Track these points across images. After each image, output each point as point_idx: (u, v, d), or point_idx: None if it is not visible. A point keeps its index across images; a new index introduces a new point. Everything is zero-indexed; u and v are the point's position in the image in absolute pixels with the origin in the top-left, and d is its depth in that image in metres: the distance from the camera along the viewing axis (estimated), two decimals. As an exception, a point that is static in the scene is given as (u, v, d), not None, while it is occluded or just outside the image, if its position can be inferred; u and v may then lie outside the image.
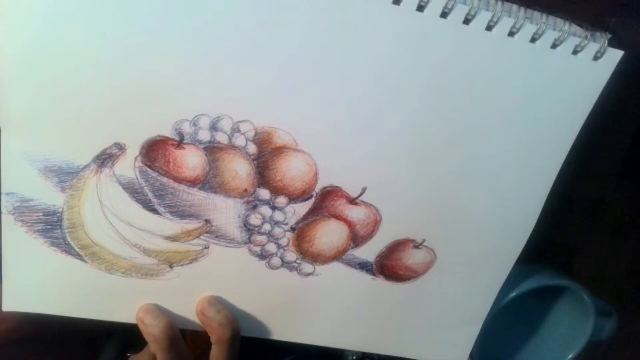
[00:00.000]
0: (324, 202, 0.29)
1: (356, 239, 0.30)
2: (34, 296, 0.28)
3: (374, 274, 0.32)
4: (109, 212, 0.27)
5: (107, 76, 0.24)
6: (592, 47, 0.26)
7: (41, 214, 0.26)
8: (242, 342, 0.31)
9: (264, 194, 0.28)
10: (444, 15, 0.25)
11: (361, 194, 0.29)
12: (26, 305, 0.29)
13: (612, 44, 0.26)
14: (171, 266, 0.29)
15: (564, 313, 0.44)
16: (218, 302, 0.30)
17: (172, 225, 0.28)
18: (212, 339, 0.30)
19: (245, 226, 0.29)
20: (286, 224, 0.29)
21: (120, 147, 0.26)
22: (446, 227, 0.31)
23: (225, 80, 0.25)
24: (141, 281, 0.29)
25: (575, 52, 0.26)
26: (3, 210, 0.26)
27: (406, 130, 0.27)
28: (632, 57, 0.27)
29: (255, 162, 0.27)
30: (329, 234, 0.30)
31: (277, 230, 0.29)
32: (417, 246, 0.31)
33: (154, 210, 0.27)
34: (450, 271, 0.32)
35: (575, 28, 0.26)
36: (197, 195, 0.27)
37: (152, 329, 0.28)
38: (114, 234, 0.27)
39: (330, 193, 0.28)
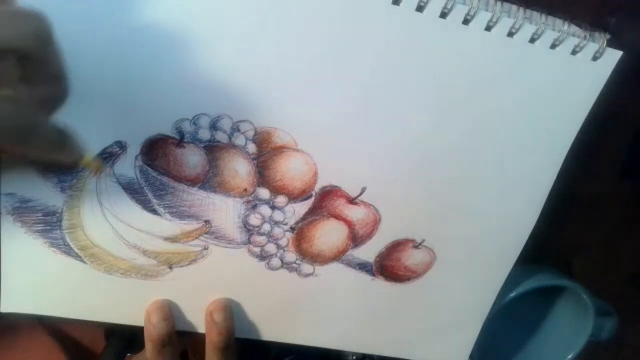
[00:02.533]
0: (324, 201, 0.29)
1: (355, 239, 0.30)
2: (33, 297, 0.28)
3: (373, 275, 0.32)
4: (108, 212, 0.27)
5: (108, 74, 0.24)
6: (591, 47, 0.26)
7: (41, 214, 0.26)
8: (241, 342, 0.31)
9: (264, 193, 0.28)
10: (443, 15, 0.25)
11: (360, 193, 0.29)
12: (25, 306, 0.28)
13: (611, 44, 0.26)
14: (171, 267, 0.29)
15: (564, 313, 0.44)
16: (229, 309, 0.30)
17: (171, 226, 0.28)
18: (207, 340, 0.30)
19: (245, 226, 0.29)
20: (286, 224, 0.29)
21: (122, 146, 0.26)
22: (446, 227, 0.31)
23: (225, 80, 0.25)
24: (141, 282, 0.29)
25: (574, 52, 0.26)
26: (2, 211, 0.26)
27: (405, 130, 0.27)
28: (631, 57, 0.27)
29: (255, 161, 0.27)
30: (328, 234, 0.30)
31: (277, 231, 0.29)
32: (416, 246, 0.31)
33: (154, 211, 0.27)
34: (450, 271, 0.32)
35: (575, 28, 0.26)
36: (196, 195, 0.27)
37: (153, 329, 0.28)
38: (113, 234, 0.27)
39: (329, 193, 0.28)
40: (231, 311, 0.30)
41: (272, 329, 0.32)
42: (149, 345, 0.29)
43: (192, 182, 0.27)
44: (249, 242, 0.29)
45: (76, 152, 0.24)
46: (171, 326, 0.29)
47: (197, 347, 0.31)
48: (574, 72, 0.27)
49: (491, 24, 0.25)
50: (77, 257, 0.28)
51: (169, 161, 0.26)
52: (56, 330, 0.31)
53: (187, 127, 0.26)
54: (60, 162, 0.24)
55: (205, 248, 0.29)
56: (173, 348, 0.29)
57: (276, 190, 0.28)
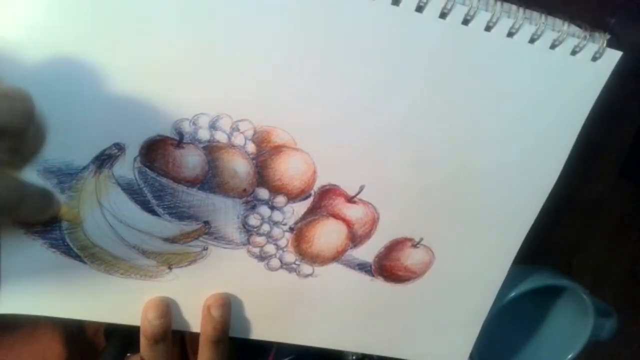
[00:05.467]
0: (323, 201, 0.29)
1: (355, 238, 0.30)
2: (33, 298, 0.28)
3: (372, 275, 0.32)
4: (108, 213, 0.27)
5: (106, 76, 0.24)
6: (591, 47, 0.26)
7: (40, 215, 0.26)
8: (242, 342, 0.31)
9: (263, 193, 0.28)
10: (443, 16, 0.25)
11: (359, 192, 0.29)
12: (25, 307, 0.28)
13: (611, 44, 0.26)
14: (170, 268, 0.29)
15: (564, 313, 0.44)
16: (227, 306, 0.30)
17: (171, 226, 0.28)
18: (201, 333, 0.30)
19: (244, 227, 0.29)
20: (285, 224, 0.29)
21: (120, 148, 0.26)
22: (444, 225, 0.31)
23: (224, 79, 0.25)
24: (140, 282, 0.29)
25: (574, 52, 0.26)
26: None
27: (404, 129, 0.27)
28: (631, 58, 0.27)
29: (254, 161, 0.27)
30: (327, 234, 0.30)
31: (276, 231, 0.29)
32: (415, 245, 0.31)
33: (153, 212, 0.27)
34: (449, 271, 0.32)
35: (574, 28, 0.26)
36: (196, 196, 0.27)
37: (148, 325, 0.28)
38: (113, 235, 0.27)
39: (328, 192, 0.28)
40: (229, 307, 0.30)
41: (272, 329, 0.32)
42: (143, 340, 0.29)
43: (192, 183, 0.27)
44: (248, 242, 0.29)
45: (56, 207, 0.26)
46: (167, 324, 0.29)
47: (196, 344, 0.31)
48: (573, 73, 0.27)
49: (491, 24, 0.25)
50: (77, 257, 0.28)
51: (168, 162, 0.26)
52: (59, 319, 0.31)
53: (187, 128, 0.26)
54: (41, 220, 0.26)
55: (205, 249, 0.29)
56: (167, 347, 0.29)
57: (275, 190, 0.28)
